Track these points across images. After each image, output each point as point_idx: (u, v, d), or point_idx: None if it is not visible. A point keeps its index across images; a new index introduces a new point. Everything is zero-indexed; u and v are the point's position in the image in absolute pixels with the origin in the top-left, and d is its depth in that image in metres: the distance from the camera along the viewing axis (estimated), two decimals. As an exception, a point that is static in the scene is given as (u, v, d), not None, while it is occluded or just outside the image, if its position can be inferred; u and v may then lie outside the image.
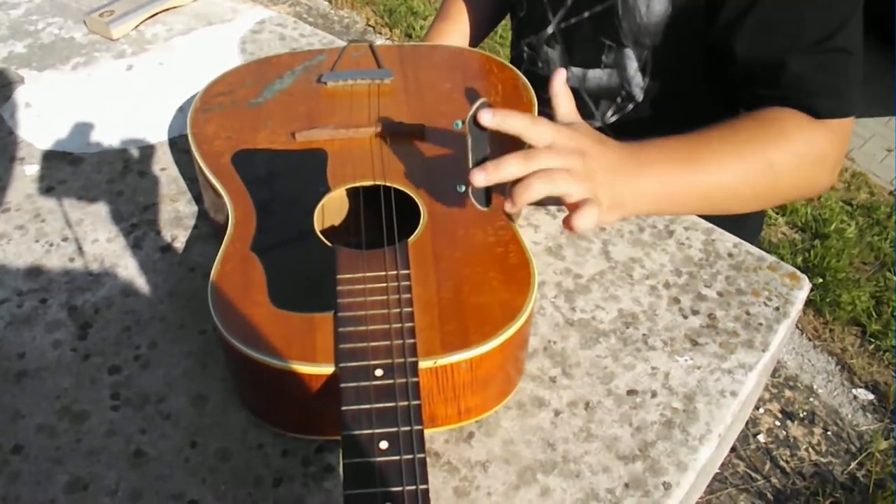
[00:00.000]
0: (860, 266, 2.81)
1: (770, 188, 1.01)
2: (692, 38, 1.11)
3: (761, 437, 2.27)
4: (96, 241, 1.04)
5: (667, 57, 1.15)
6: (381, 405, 0.71)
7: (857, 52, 1.02)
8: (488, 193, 0.86)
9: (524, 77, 1.11)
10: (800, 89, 1.02)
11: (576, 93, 1.24)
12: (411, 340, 0.75)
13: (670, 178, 0.95)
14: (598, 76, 1.23)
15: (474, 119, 0.83)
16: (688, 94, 1.19)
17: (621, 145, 0.93)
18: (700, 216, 1.10)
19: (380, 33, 4.01)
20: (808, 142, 1.01)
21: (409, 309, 0.78)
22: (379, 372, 0.73)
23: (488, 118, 0.82)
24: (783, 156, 0.99)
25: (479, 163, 0.83)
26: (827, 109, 1.01)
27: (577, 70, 1.25)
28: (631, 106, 1.24)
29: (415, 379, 0.73)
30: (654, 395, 0.89)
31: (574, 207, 0.82)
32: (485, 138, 0.84)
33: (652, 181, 0.93)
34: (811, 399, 2.39)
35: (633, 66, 1.18)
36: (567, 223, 0.82)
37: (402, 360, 0.74)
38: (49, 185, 1.13)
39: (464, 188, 0.85)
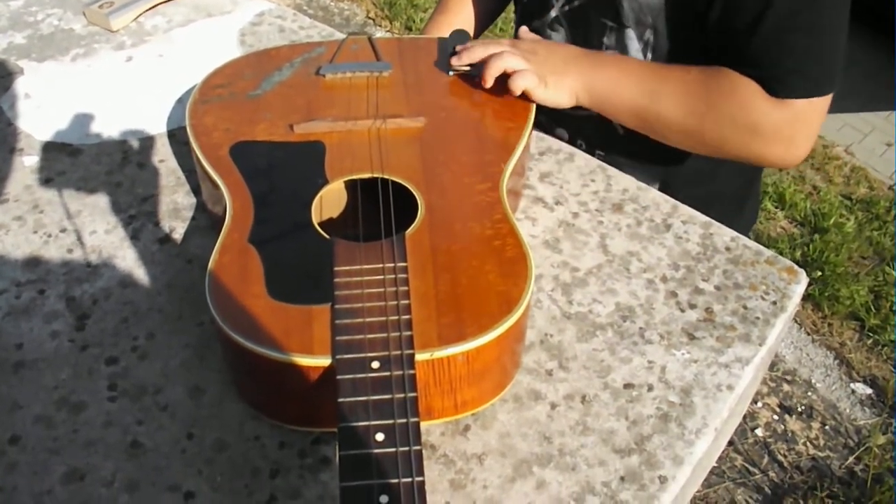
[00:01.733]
0: (859, 260, 2.81)
1: (695, 132, 1.10)
2: (694, 15, 1.11)
3: (759, 431, 2.27)
4: (94, 232, 1.05)
5: (669, 35, 1.15)
6: (377, 397, 0.71)
7: (832, 32, 1.03)
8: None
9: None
10: (762, 66, 1.04)
11: None
12: (408, 333, 0.75)
13: (613, 86, 1.11)
14: None
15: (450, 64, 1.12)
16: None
17: (584, 49, 1.15)
18: (694, 207, 1.10)
19: (380, 26, 4.00)
20: (744, 109, 1.05)
21: (406, 301, 0.78)
22: (375, 364, 0.73)
23: (455, 62, 1.12)
24: (713, 110, 1.06)
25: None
26: (783, 88, 1.04)
27: None
28: None
29: (411, 371, 0.73)
30: (650, 388, 0.89)
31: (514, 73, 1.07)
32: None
33: (598, 82, 1.11)
34: (809, 393, 2.39)
35: (634, 46, 1.19)
36: (508, 84, 1.07)
37: (398, 352, 0.74)
38: (48, 177, 1.13)
39: (451, 73, 1.12)
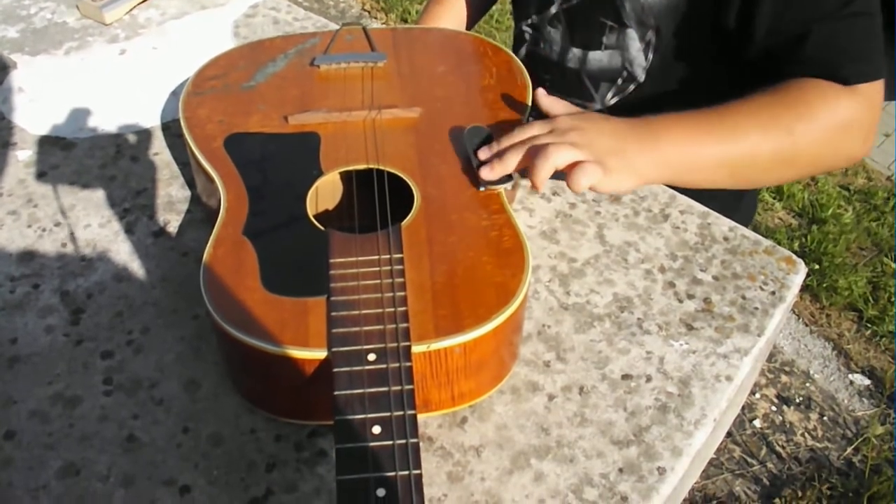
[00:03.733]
0: (857, 251, 2.81)
1: (791, 158, 1.00)
2: (699, 17, 1.10)
3: (757, 423, 2.27)
4: (89, 226, 1.04)
5: (672, 36, 1.14)
6: (373, 390, 0.70)
7: (877, 14, 1.00)
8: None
9: (518, 60, 1.10)
10: (825, 59, 1.00)
11: (575, 75, 1.23)
12: (404, 325, 0.75)
13: (686, 145, 0.96)
14: (598, 58, 1.23)
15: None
16: (693, 75, 1.19)
17: (630, 119, 0.96)
18: (696, 199, 1.09)
19: (375, 17, 3.99)
20: (831, 109, 0.99)
21: (403, 293, 0.78)
22: (372, 356, 0.73)
23: (487, 175, 0.91)
24: (804, 124, 0.98)
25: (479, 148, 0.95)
26: (855, 75, 1.00)
27: (577, 51, 1.24)
28: (632, 87, 1.23)
29: (408, 363, 0.72)
30: (648, 379, 0.89)
31: (572, 168, 0.87)
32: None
33: (667, 148, 0.95)
34: (807, 384, 2.39)
35: (635, 46, 1.18)
36: (568, 183, 0.87)
37: (395, 344, 0.73)
38: (41, 171, 1.12)
39: (482, 188, 0.91)
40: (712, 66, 1.15)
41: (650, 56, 1.18)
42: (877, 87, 1.02)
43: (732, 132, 0.98)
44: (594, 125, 0.94)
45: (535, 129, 0.93)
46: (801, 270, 1.02)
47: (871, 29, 1.00)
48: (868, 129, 1.04)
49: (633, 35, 1.16)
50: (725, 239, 1.04)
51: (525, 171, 0.90)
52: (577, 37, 1.24)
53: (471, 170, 0.93)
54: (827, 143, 1.01)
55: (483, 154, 0.93)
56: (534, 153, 0.89)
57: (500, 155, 0.92)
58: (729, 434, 2.21)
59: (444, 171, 0.93)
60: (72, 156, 1.14)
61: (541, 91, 1.02)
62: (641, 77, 1.21)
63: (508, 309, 0.78)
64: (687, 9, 1.10)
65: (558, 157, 0.87)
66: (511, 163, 0.91)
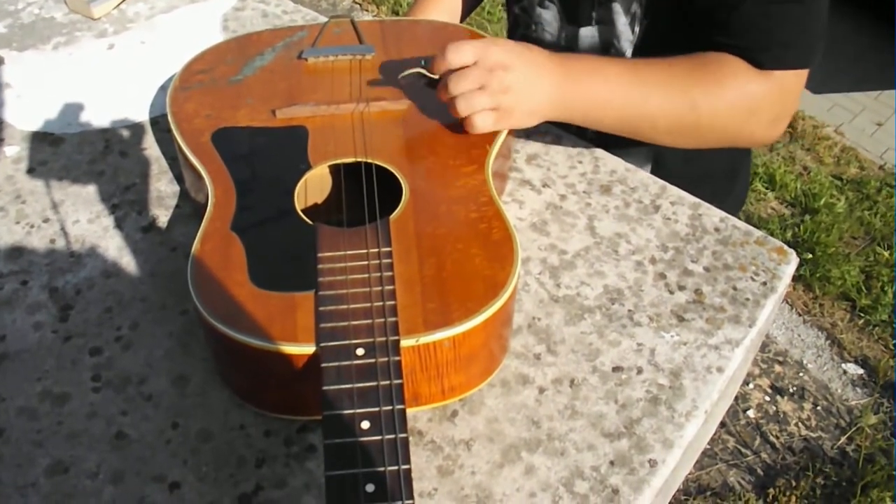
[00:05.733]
0: (850, 241, 2.81)
1: (691, 127, 1.04)
2: None
3: (751, 413, 2.27)
4: (77, 221, 1.03)
5: (655, 8, 1.14)
6: (362, 385, 0.70)
7: (817, 6, 1.01)
8: None
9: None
10: (748, 37, 1.02)
11: (569, 52, 1.23)
12: (393, 319, 0.75)
13: (592, 92, 1.02)
14: (589, 34, 1.22)
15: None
16: (677, 46, 1.18)
17: (551, 54, 1.01)
18: (685, 187, 1.09)
19: (367, 10, 3.98)
20: (740, 89, 1.02)
21: (391, 287, 0.78)
22: (360, 351, 0.73)
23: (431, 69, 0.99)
24: (709, 99, 1.01)
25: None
26: (770, 60, 1.01)
27: (570, 28, 1.24)
28: None
29: (396, 358, 0.72)
30: (639, 371, 0.89)
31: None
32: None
33: (573, 92, 1.01)
34: (801, 374, 2.39)
35: (621, 20, 1.17)
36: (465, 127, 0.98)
37: (383, 338, 0.73)
38: (30, 167, 1.11)
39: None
40: (695, 37, 1.15)
41: (636, 29, 1.17)
42: (793, 76, 1.04)
43: (640, 92, 1.02)
44: (519, 61, 0.98)
45: (468, 82, 0.96)
46: (793, 261, 1.01)
47: (803, 18, 1.01)
48: (777, 115, 1.06)
49: (618, 9, 1.16)
50: (716, 230, 1.04)
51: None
52: (569, 14, 1.24)
53: (459, 160, 0.93)
54: (729, 121, 1.05)
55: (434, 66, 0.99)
56: (465, 115, 0.97)
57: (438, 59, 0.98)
58: (723, 424, 2.22)
59: (433, 163, 0.93)
60: (60, 151, 1.14)
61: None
62: (629, 51, 1.20)
63: (498, 302, 0.78)
64: None
65: (472, 105, 0.95)
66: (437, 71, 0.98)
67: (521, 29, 1.33)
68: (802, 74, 1.04)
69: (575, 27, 1.23)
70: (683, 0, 1.09)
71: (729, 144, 1.10)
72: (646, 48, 1.19)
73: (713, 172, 1.29)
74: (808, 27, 1.02)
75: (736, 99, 1.02)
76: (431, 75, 0.99)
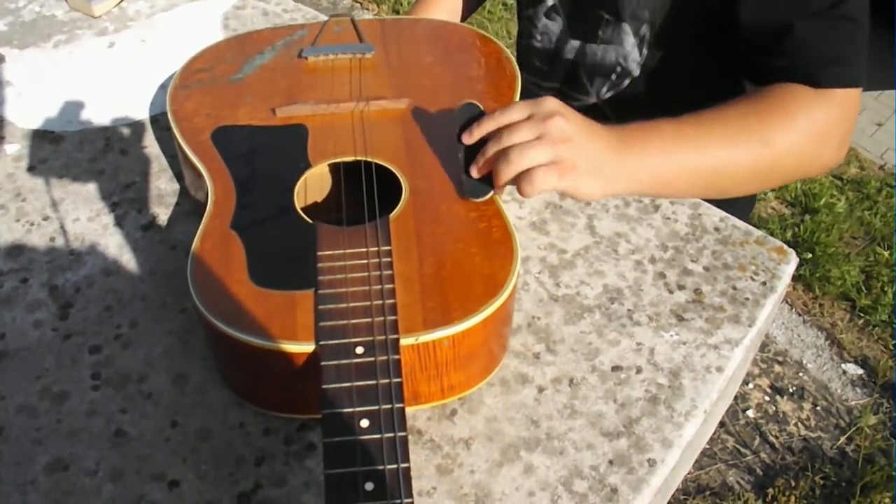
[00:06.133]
0: (850, 241, 2.81)
1: (769, 168, 0.99)
2: (692, 11, 1.09)
3: (750, 413, 2.27)
4: (77, 219, 1.04)
5: (666, 31, 1.14)
6: (361, 383, 0.70)
7: (864, 22, 0.99)
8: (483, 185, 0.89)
9: (506, 51, 1.10)
10: (804, 56, 0.99)
11: (573, 66, 1.23)
12: (392, 317, 0.75)
13: (657, 157, 0.93)
14: (594, 51, 1.22)
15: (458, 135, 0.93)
16: (687, 69, 1.18)
17: (606, 126, 0.92)
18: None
19: (367, 9, 3.98)
20: (808, 116, 0.98)
21: (391, 285, 0.78)
22: (360, 349, 0.73)
23: (467, 139, 0.91)
24: (783, 133, 0.97)
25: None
26: (829, 78, 0.98)
27: (576, 43, 1.24)
28: (627, 82, 1.22)
29: (396, 356, 0.72)
30: (639, 371, 0.89)
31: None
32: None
33: (635, 161, 0.92)
34: (801, 374, 2.39)
35: (629, 41, 1.17)
36: (518, 188, 0.86)
37: (382, 337, 0.73)
38: (30, 165, 1.11)
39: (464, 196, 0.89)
40: (705, 61, 1.15)
41: (644, 51, 1.17)
42: (852, 95, 1.00)
43: (707, 145, 0.95)
44: (584, 140, 0.88)
45: (523, 133, 0.87)
46: (793, 260, 1.01)
47: (853, 35, 0.99)
48: (843, 136, 1.02)
49: (627, 29, 1.16)
50: (716, 229, 1.04)
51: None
52: (575, 29, 1.23)
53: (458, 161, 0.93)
54: (805, 151, 1.00)
55: (472, 128, 0.91)
56: (520, 170, 0.85)
57: (487, 163, 0.89)
58: (722, 424, 2.22)
59: (433, 162, 0.93)
60: (60, 149, 1.14)
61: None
62: (636, 72, 1.20)
63: (497, 300, 0.78)
64: (680, 3, 1.10)
65: (529, 158, 0.85)
66: (499, 178, 0.86)
67: (525, 38, 1.33)
68: (859, 92, 1.01)
69: (581, 42, 1.23)
70: (695, 25, 1.08)
71: (803, 176, 1.06)
72: (653, 70, 1.19)
73: None
74: (859, 44, 1.00)
75: (808, 127, 0.98)
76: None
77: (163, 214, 1.04)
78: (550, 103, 0.89)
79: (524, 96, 1.03)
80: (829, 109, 0.99)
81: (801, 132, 0.98)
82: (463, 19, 1.43)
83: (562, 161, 0.85)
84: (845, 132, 1.02)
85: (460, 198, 0.88)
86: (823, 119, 0.99)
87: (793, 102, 0.98)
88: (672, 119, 0.96)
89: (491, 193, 0.88)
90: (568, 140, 0.86)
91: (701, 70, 1.16)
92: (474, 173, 0.89)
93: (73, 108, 1.21)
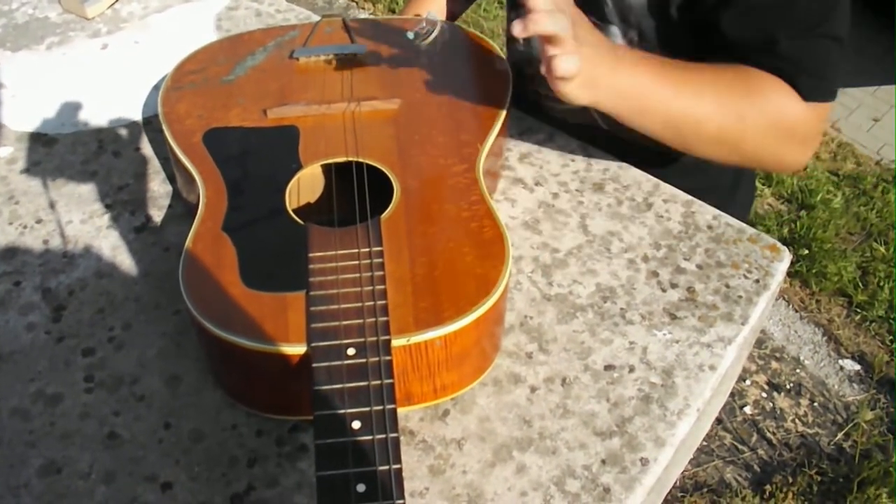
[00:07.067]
0: (846, 236, 2.81)
1: (736, 141, 1.01)
2: (679, 15, 1.09)
3: (748, 409, 2.27)
4: (70, 222, 1.04)
5: (653, 34, 1.14)
6: (353, 384, 0.70)
7: (844, 39, 1.00)
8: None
9: (498, 49, 1.10)
10: (786, 70, 1.00)
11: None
12: (384, 318, 0.75)
13: (644, 83, 0.96)
14: None
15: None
16: None
17: (609, 42, 0.96)
18: (680, 188, 1.09)
19: (363, 8, 3.98)
20: (783, 109, 1.00)
21: (382, 286, 0.78)
22: (351, 351, 0.73)
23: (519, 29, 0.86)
24: (755, 113, 0.99)
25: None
26: (811, 90, 1.00)
27: None
28: None
29: (387, 357, 0.72)
30: (631, 370, 0.89)
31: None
32: None
33: (625, 79, 0.94)
34: (798, 370, 2.39)
35: (618, 43, 1.17)
36: (548, 69, 0.87)
37: (374, 338, 0.73)
38: (23, 167, 1.11)
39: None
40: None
41: None
42: (826, 108, 1.02)
43: (689, 94, 0.98)
44: (594, 41, 0.92)
45: (562, 25, 0.87)
46: (786, 258, 1.01)
47: (834, 52, 1.01)
48: (811, 141, 1.05)
49: (615, 32, 1.15)
50: (709, 227, 1.04)
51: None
52: None
53: (450, 158, 0.93)
54: (772, 140, 1.02)
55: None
56: (548, 58, 0.87)
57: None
58: (719, 421, 2.22)
59: (424, 162, 0.93)
60: (53, 152, 1.14)
61: None
62: None
63: (489, 300, 0.78)
64: (666, 7, 1.10)
65: (558, 30, 0.86)
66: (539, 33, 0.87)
67: (513, 42, 1.33)
68: (829, 106, 1.03)
69: None
70: (683, 28, 1.08)
71: (758, 164, 1.08)
72: None
73: (713, 188, 1.28)
74: (836, 61, 1.01)
75: (778, 117, 1.00)
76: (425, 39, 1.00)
77: (156, 216, 1.04)
78: (582, 32, 0.91)
79: (515, 99, 1.03)
80: (804, 110, 1.00)
81: (772, 120, 1.00)
82: (454, 18, 1.43)
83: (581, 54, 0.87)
84: (814, 137, 1.05)
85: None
86: (795, 117, 1.01)
87: (772, 90, 1.00)
88: (666, 59, 0.99)
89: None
90: (584, 44, 0.88)
91: None
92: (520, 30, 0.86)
93: (67, 110, 1.21)
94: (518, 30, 0.86)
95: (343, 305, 0.76)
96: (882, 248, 2.72)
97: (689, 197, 1.08)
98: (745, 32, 1.02)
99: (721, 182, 1.32)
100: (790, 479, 2.10)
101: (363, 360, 0.72)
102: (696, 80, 0.98)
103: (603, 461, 0.81)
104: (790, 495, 2.06)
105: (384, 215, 0.86)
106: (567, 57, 0.86)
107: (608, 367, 0.89)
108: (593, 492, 0.78)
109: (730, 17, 1.01)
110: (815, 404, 2.30)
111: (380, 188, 0.90)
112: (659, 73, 0.97)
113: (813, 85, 1.00)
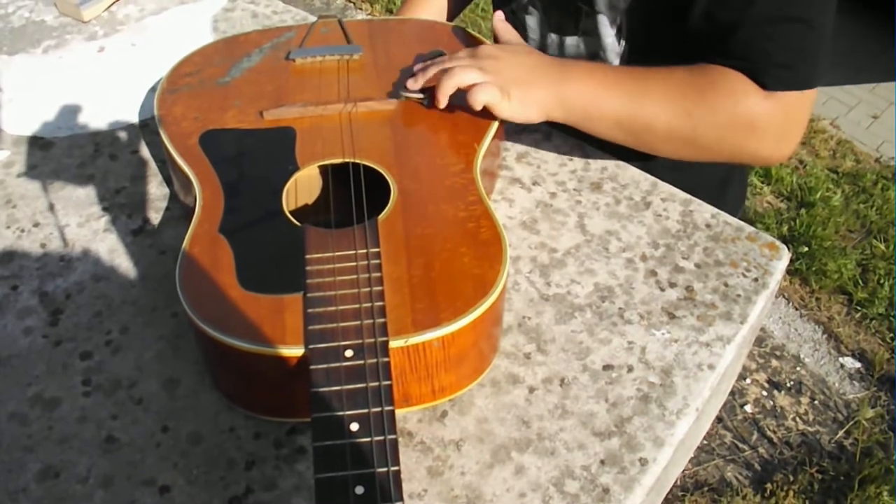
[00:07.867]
0: (846, 234, 2.81)
1: (687, 137, 1.02)
2: (660, 4, 1.09)
3: (748, 408, 2.27)
4: (67, 225, 1.03)
5: (641, 21, 1.13)
6: (351, 386, 0.70)
7: (820, 24, 0.98)
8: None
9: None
10: (748, 58, 0.99)
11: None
12: (381, 320, 0.75)
13: (589, 93, 1.01)
14: (574, 43, 1.22)
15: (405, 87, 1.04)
16: (665, 60, 1.17)
17: (551, 57, 1.07)
18: (677, 186, 1.09)
19: (360, 9, 3.98)
20: (738, 105, 0.99)
21: (380, 288, 0.77)
22: (349, 353, 0.72)
23: (410, 84, 1.03)
24: (704, 110, 1.00)
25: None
26: (772, 81, 0.99)
27: (554, 37, 1.24)
28: None
29: (385, 359, 0.72)
30: (630, 369, 0.88)
31: (473, 87, 0.98)
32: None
33: (569, 90, 1.01)
34: (798, 368, 2.39)
35: (608, 32, 1.17)
36: (467, 99, 0.98)
37: (372, 340, 0.73)
38: (20, 171, 1.11)
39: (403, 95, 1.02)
40: (681, 51, 1.14)
41: (622, 43, 1.17)
42: (797, 97, 1.00)
43: (636, 96, 1.01)
44: (511, 56, 1.04)
45: (459, 56, 1.03)
46: (785, 256, 1.01)
47: (804, 37, 0.99)
48: (781, 134, 1.03)
49: (605, 21, 1.15)
50: (708, 226, 1.04)
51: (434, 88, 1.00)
52: (553, 22, 1.23)
53: (447, 159, 0.93)
54: (726, 135, 1.02)
55: (416, 69, 1.05)
56: (444, 72, 1.00)
57: (423, 70, 1.04)
58: (720, 419, 2.22)
59: (421, 163, 0.93)
60: (50, 155, 1.14)
61: (498, 15, 1.15)
62: (616, 62, 1.20)
63: (487, 301, 0.77)
64: None
65: (462, 77, 0.99)
66: (429, 74, 1.02)
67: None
68: (808, 94, 1.01)
69: (560, 35, 1.23)
70: (669, 19, 1.08)
71: (731, 160, 1.08)
72: (633, 61, 1.19)
73: (703, 184, 1.27)
74: (809, 47, 0.99)
75: (733, 113, 1.00)
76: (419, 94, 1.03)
77: (153, 219, 1.04)
78: (488, 48, 1.04)
79: None
80: (766, 105, 0.99)
81: (725, 116, 1.00)
82: (451, 18, 1.43)
83: (496, 73, 0.99)
84: (786, 130, 1.03)
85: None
86: (756, 112, 1.00)
87: (726, 87, 1.00)
88: (615, 66, 1.09)
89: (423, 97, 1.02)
90: (500, 72, 1.00)
91: (677, 61, 1.16)
92: (412, 84, 1.03)
93: (63, 113, 1.21)
94: (442, 103, 1.00)
95: (340, 307, 0.76)
96: (882, 246, 2.72)
97: (688, 196, 1.08)
98: (710, 19, 1.02)
99: (710, 181, 1.32)
100: (791, 478, 2.10)
101: (361, 362, 0.72)
102: (644, 83, 1.02)
103: (602, 461, 0.81)
104: (791, 494, 2.06)
105: (381, 216, 0.85)
106: (479, 89, 0.97)
107: (607, 367, 0.89)
108: (592, 492, 0.78)
109: (697, 9, 1.02)
110: (816, 402, 2.30)
111: (377, 189, 0.89)
112: (607, 80, 1.02)
113: (776, 75, 0.99)
